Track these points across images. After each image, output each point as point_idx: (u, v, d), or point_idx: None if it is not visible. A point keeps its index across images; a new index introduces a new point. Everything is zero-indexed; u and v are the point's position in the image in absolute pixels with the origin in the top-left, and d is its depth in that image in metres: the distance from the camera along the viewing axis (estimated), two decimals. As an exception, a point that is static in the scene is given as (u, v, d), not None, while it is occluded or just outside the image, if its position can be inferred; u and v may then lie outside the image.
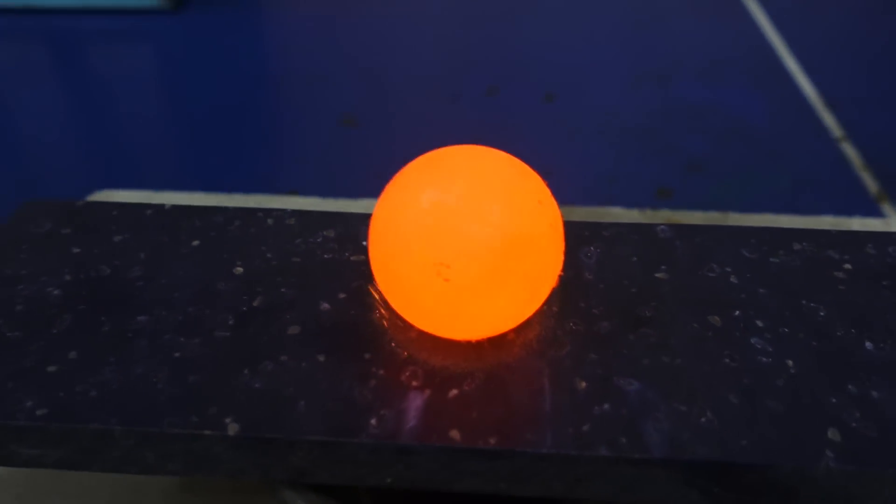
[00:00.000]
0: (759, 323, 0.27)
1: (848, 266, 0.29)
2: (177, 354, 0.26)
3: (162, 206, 0.33)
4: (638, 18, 1.19)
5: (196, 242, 0.31)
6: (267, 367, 0.25)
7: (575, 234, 0.30)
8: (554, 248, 0.24)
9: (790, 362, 0.25)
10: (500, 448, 0.22)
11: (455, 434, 0.23)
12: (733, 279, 0.29)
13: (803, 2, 1.24)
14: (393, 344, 0.26)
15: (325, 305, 0.27)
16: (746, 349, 0.26)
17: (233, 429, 0.23)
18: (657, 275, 0.29)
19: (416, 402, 0.24)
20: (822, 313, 0.27)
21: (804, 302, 0.28)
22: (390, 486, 0.24)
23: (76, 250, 0.30)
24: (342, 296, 0.28)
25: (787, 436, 0.23)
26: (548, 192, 0.24)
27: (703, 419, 0.23)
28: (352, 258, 0.30)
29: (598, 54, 1.08)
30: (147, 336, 0.26)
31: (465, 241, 0.22)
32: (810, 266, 0.29)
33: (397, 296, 0.24)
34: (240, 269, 0.29)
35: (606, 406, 0.24)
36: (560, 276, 0.25)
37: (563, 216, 0.25)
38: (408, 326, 0.26)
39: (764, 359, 0.25)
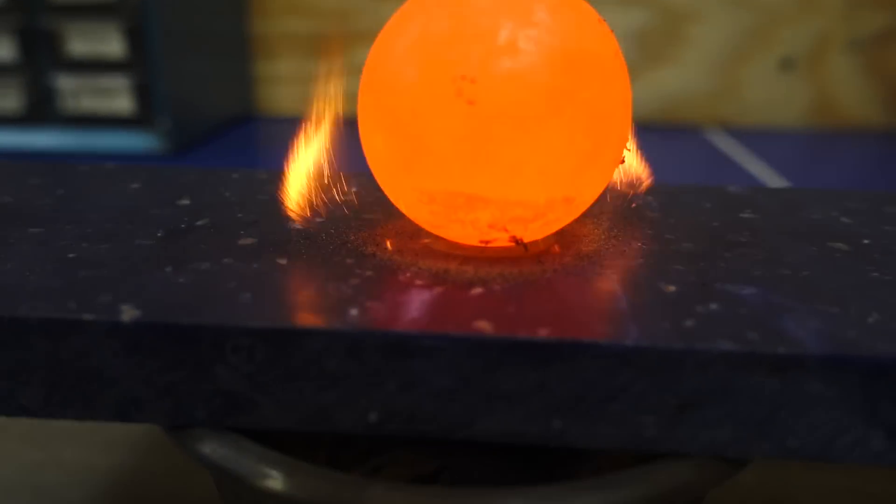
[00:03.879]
0: (903, 249, 0.19)
1: None
2: (71, 255, 0.17)
3: (101, 164, 0.26)
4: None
5: (136, 185, 0.23)
6: (201, 266, 0.17)
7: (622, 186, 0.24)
8: (621, 85, 0.17)
9: (969, 277, 0.17)
10: (556, 340, 0.14)
11: (484, 325, 0.14)
12: (845, 219, 0.21)
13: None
14: (389, 253, 0.18)
15: (295, 225, 0.20)
16: (897, 267, 0.18)
17: (130, 314, 0.14)
18: (743, 215, 0.21)
19: (421, 296, 0.16)
20: (982, 245, 0.20)
21: (953, 236, 0.20)
22: (372, 432, 0.15)
23: (-25, 187, 0.23)
24: (318, 220, 0.20)
25: None
26: (605, 22, 0.18)
27: (869, 319, 0.15)
28: (339, 198, 0.22)
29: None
30: (33, 242, 0.18)
31: (496, 46, 0.15)
32: (941, 214, 0.22)
33: (398, 149, 0.17)
34: (186, 202, 0.22)
35: (714, 305, 0.15)
36: (626, 153, 0.18)
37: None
38: (412, 236, 0.19)
39: (928, 274, 0.17)
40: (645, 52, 1.11)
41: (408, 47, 0.16)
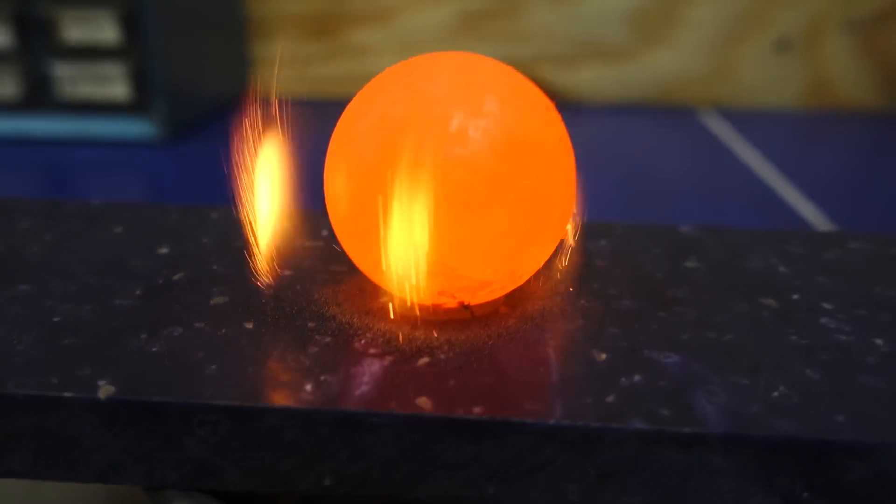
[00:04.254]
0: (827, 305, 0.20)
1: (922, 263, 0.23)
2: (56, 319, 0.19)
3: (87, 202, 0.27)
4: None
5: (119, 229, 0.25)
6: (173, 332, 0.19)
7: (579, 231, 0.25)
8: (564, 168, 0.18)
9: (879, 341, 0.19)
10: (488, 419, 0.15)
11: (424, 402, 0.16)
12: (783, 269, 0.23)
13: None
14: (349, 315, 0.19)
15: (266, 280, 0.21)
16: (817, 328, 0.19)
17: (106, 391, 0.16)
18: (686, 264, 0.23)
19: (371, 368, 0.17)
20: (904, 300, 0.21)
21: (878, 289, 0.22)
22: (329, 493, 0.16)
23: (-32, 233, 0.24)
24: (288, 273, 0.22)
25: (899, 411, 0.16)
26: (554, 109, 0.19)
27: (775, 393, 0.16)
28: (307, 244, 0.24)
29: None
30: (22, 303, 0.20)
31: (447, 133, 0.17)
32: (875, 261, 0.23)
33: (358, 220, 0.18)
34: (165, 250, 0.23)
35: (637, 377, 0.17)
36: (570, 229, 0.20)
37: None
38: (371, 294, 0.20)
39: (843, 337, 0.19)
40: (639, 33, 1.11)
41: (368, 129, 0.18)
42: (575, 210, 0.19)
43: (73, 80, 0.96)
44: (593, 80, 1.13)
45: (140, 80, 0.96)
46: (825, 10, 1.08)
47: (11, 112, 0.99)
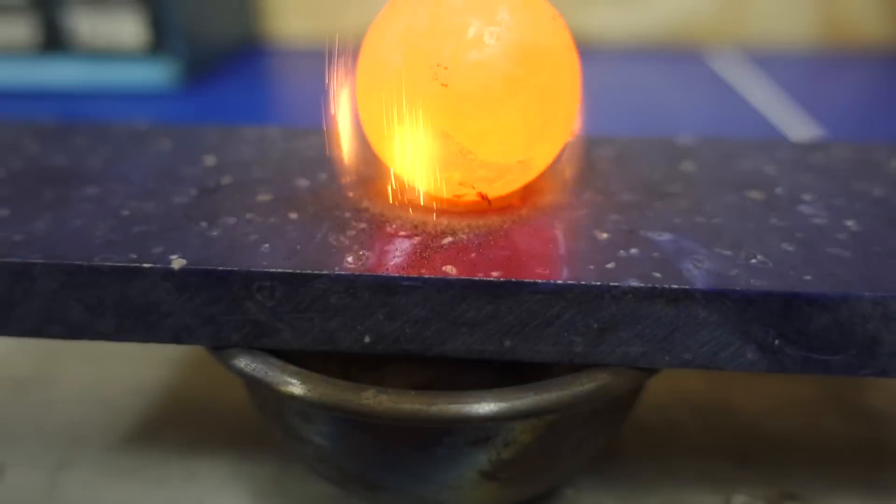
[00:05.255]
0: (807, 197, 0.23)
1: (898, 165, 0.26)
2: (125, 213, 0.22)
3: (133, 125, 0.30)
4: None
5: (167, 145, 0.27)
6: (228, 221, 0.21)
7: (583, 141, 0.27)
8: (570, 71, 0.21)
9: (849, 223, 0.21)
10: (504, 280, 0.18)
11: (450, 269, 0.19)
12: (769, 169, 0.25)
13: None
14: (380, 206, 0.22)
15: (303, 181, 0.24)
16: (795, 214, 0.22)
17: (178, 263, 0.19)
18: (682, 167, 0.25)
19: (402, 245, 0.20)
20: (876, 192, 0.23)
21: (856, 184, 0.24)
22: (368, 350, 0.19)
23: (33, 149, 0.27)
24: (323, 176, 0.24)
25: (859, 272, 0.18)
26: (560, 17, 0.21)
27: (753, 260, 0.19)
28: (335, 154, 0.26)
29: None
30: (93, 201, 0.23)
31: (466, 40, 0.19)
32: (856, 164, 0.26)
33: (386, 121, 0.21)
34: (211, 161, 0.26)
35: (634, 250, 0.20)
36: (575, 128, 0.22)
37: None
38: (398, 190, 0.23)
39: (818, 220, 0.21)
40: (649, -27, 1.10)
41: (394, 38, 0.20)
42: (579, 110, 0.22)
43: (88, 27, 0.98)
44: (603, 22, 1.14)
45: (156, 25, 0.97)
46: (838, -54, 1.07)
47: (27, 59, 1.01)
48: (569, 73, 0.21)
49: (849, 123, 0.94)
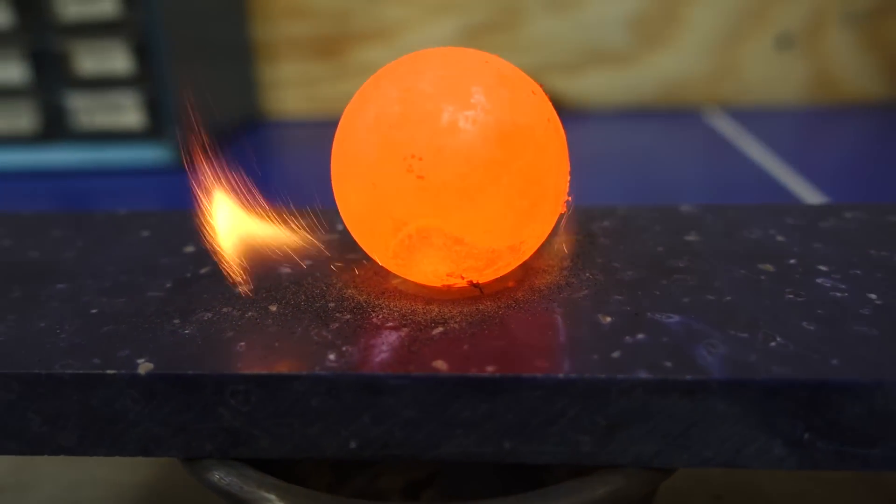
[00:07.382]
0: (823, 268, 0.21)
1: (916, 227, 0.24)
2: (93, 311, 0.20)
3: (114, 212, 0.29)
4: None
5: (146, 233, 0.26)
6: (203, 316, 0.20)
7: (582, 213, 0.26)
8: (555, 147, 0.19)
9: (872, 295, 0.20)
10: (500, 376, 0.16)
11: (440, 364, 0.17)
12: (780, 238, 0.24)
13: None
14: (365, 295, 0.21)
15: (287, 270, 0.22)
16: (813, 287, 0.20)
17: (145, 368, 0.17)
18: (686, 238, 0.24)
19: (389, 338, 0.18)
20: (898, 259, 0.22)
21: (873, 251, 0.22)
22: (354, 456, 0.17)
23: (6, 242, 0.26)
24: (308, 263, 0.23)
25: (890, 352, 0.17)
26: (540, 89, 0.20)
27: (772, 343, 0.17)
28: (324, 238, 0.25)
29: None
30: (62, 299, 0.21)
31: (439, 127, 0.18)
32: (870, 227, 0.24)
33: (366, 215, 0.19)
34: (191, 249, 0.25)
35: (641, 335, 0.18)
36: (567, 203, 0.21)
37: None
38: (385, 277, 0.21)
39: (837, 294, 0.20)
40: (642, 36, 1.12)
41: (365, 129, 0.19)
42: (569, 186, 0.20)
43: (87, 110, 0.99)
44: (598, 87, 1.15)
45: (153, 108, 0.98)
46: (825, 5, 1.09)
47: (30, 144, 1.02)
48: (554, 149, 0.19)
49: (842, 176, 0.94)
